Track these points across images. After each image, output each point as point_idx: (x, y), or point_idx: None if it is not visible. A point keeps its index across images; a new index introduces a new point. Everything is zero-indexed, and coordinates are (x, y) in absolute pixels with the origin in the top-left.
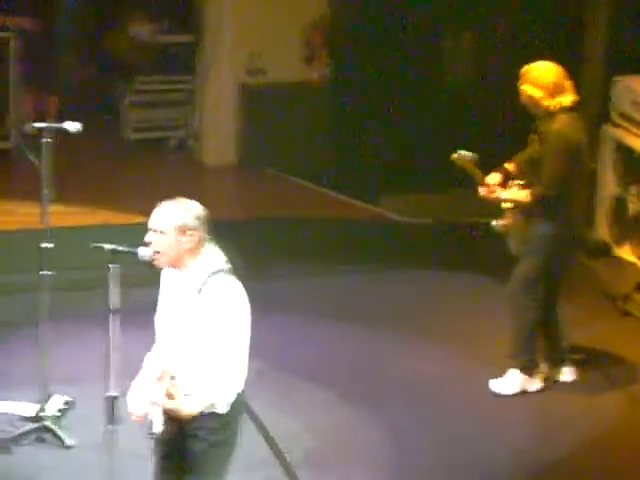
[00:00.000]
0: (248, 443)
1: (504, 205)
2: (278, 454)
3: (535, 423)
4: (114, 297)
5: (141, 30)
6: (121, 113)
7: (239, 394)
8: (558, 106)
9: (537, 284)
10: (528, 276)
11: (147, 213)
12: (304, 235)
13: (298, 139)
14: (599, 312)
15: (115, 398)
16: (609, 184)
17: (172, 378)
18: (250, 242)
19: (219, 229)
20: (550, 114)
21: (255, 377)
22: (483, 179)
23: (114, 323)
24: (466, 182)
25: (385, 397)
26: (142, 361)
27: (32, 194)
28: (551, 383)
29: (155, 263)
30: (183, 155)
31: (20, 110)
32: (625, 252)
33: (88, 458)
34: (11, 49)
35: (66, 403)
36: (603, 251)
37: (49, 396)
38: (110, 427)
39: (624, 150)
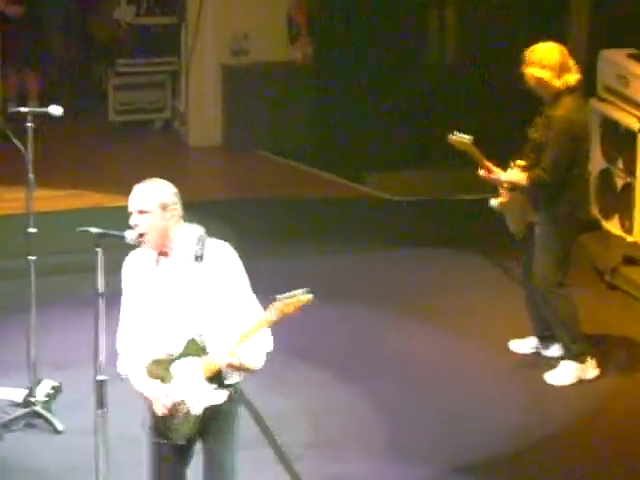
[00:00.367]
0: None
1: (502, 185)
2: (267, 433)
3: (528, 398)
4: (101, 281)
5: (124, 12)
6: (106, 96)
7: None
8: (565, 85)
9: (557, 274)
10: (546, 271)
11: None
12: (290, 215)
13: (283, 119)
14: (587, 286)
15: (104, 382)
16: (595, 158)
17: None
18: (236, 222)
19: (206, 209)
20: (557, 95)
21: None
22: (483, 161)
23: (102, 307)
24: (451, 159)
25: (379, 375)
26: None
27: (18, 179)
28: (543, 359)
29: (142, 245)
30: (168, 137)
31: (5, 94)
32: (612, 226)
33: (79, 442)
34: None
35: (53, 388)
36: (591, 225)
37: (39, 381)
38: (100, 411)
39: (610, 124)
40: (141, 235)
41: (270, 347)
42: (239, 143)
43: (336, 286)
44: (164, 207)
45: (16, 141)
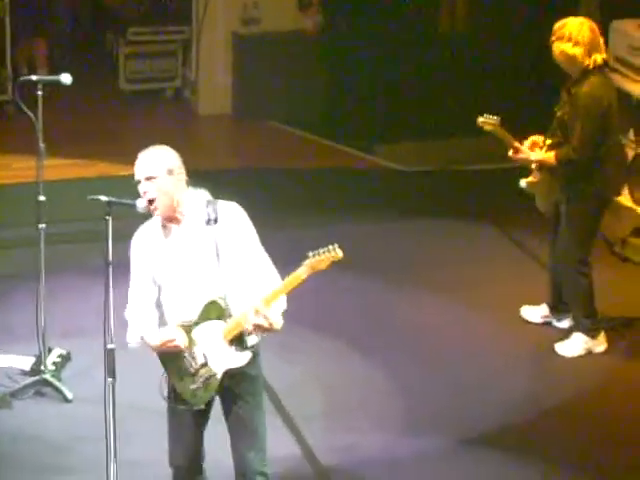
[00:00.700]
0: None
1: (532, 165)
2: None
3: (538, 369)
4: (110, 250)
5: None
6: (116, 64)
7: None
8: (593, 64)
9: (581, 252)
10: (571, 248)
11: None
12: (300, 185)
13: (293, 88)
14: (597, 258)
15: (114, 351)
16: None
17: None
18: (245, 192)
19: (215, 178)
20: (584, 72)
21: None
22: (512, 141)
23: (110, 275)
24: (462, 129)
25: (391, 346)
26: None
27: (29, 147)
28: (554, 329)
29: (153, 212)
30: (178, 106)
31: (15, 63)
32: (622, 197)
33: (88, 411)
34: (5, 4)
35: (62, 356)
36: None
37: (49, 350)
38: (110, 380)
39: (621, 95)
40: (151, 202)
41: (285, 306)
42: (249, 112)
43: (347, 257)
44: (170, 171)
45: (27, 109)
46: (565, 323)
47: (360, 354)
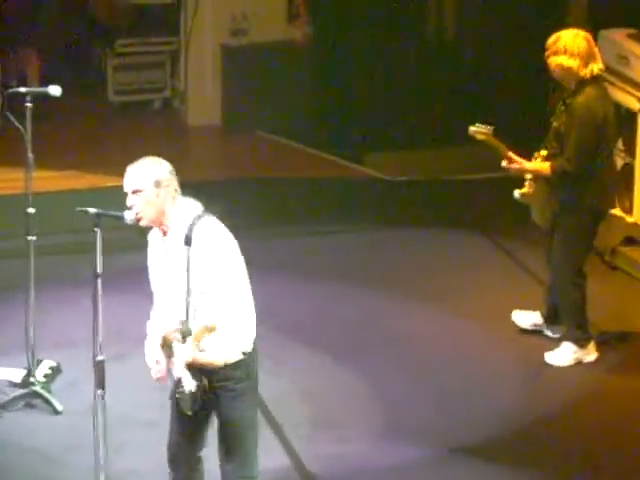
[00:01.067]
0: None
1: (527, 176)
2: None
3: (527, 378)
4: (99, 261)
5: None
6: (105, 76)
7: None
8: (590, 74)
9: (576, 264)
10: (566, 260)
11: None
12: (288, 195)
13: (281, 99)
14: (588, 267)
15: (103, 362)
16: None
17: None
18: (236, 202)
19: (204, 189)
20: (581, 83)
21: None
22: (506, 151)
23: (100, 287)
24: (451, 138)
25: (379, 355)
26: (130, 325)
27: (17, 159)
28: (544, 339)
29: (140, 224)
30: (167, 117)
31: (4, 74)
32: None
33: (78, 423)
34: None
35: (52, 368)
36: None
37: (38, 362)
38: (99, 392)
39: None
40: (138, 214)
41: (241, 338)
42: (238, 123)
43: (335, 266)
44: (158, 184)
45: (15, 121)
46: (556, 333)
47: (347, 363)
